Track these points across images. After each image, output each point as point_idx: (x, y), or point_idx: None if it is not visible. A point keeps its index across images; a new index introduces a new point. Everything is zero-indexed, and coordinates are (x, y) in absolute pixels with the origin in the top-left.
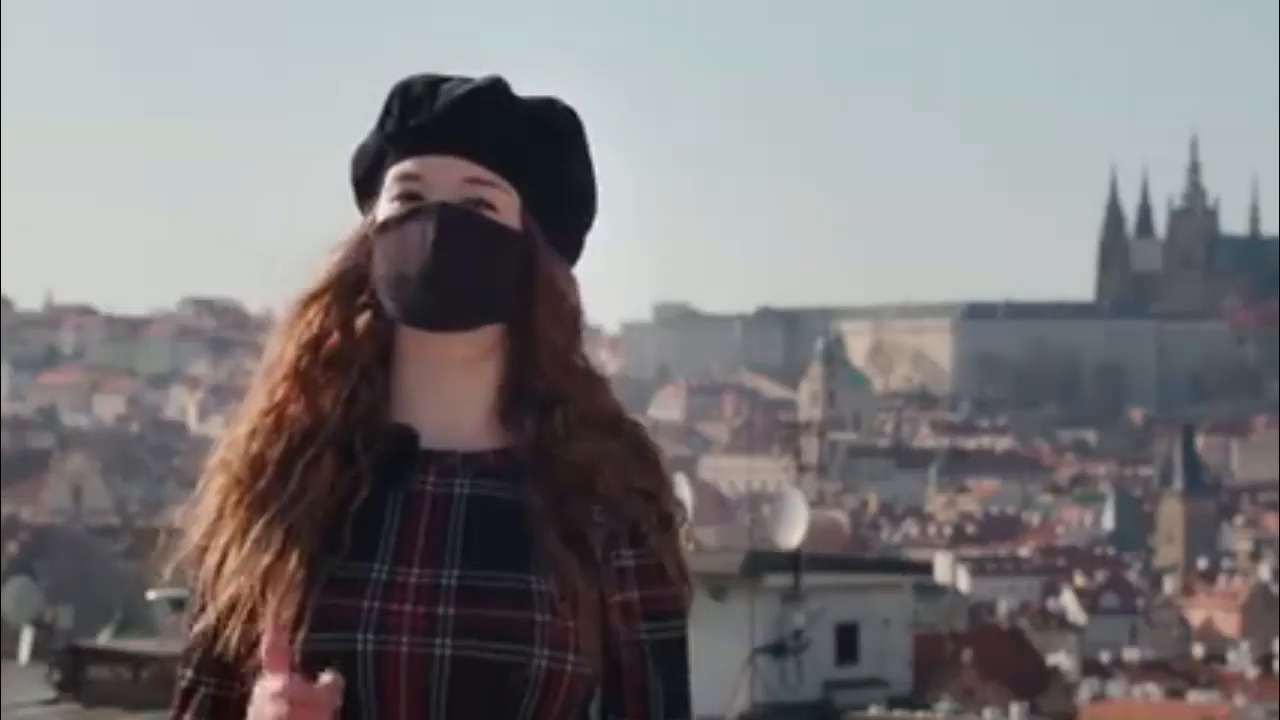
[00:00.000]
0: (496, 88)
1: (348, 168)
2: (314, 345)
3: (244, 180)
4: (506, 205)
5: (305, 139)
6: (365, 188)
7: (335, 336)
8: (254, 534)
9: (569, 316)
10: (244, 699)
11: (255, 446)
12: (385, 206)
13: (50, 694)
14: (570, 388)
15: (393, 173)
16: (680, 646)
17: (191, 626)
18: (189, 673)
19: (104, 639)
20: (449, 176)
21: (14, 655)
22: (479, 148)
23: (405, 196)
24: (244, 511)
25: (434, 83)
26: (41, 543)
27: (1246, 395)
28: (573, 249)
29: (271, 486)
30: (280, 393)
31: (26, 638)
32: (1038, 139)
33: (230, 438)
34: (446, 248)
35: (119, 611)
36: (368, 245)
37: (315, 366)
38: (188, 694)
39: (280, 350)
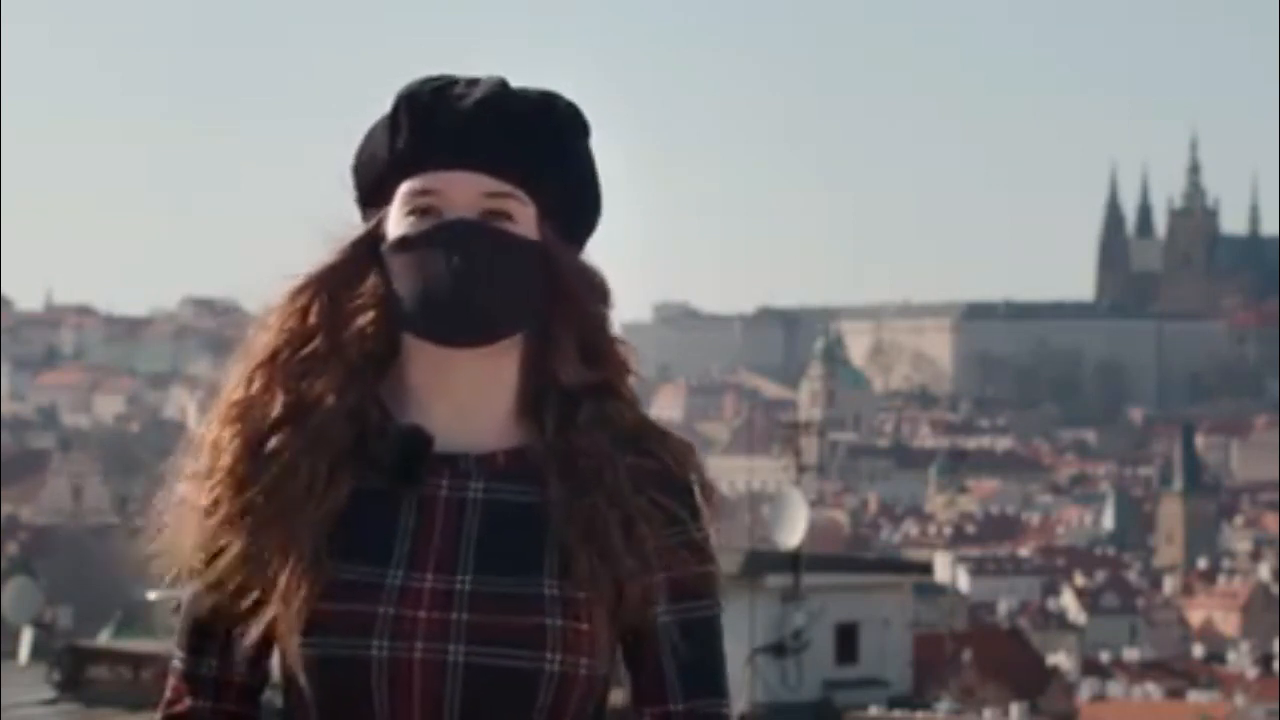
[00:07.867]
0: (504, 94)
1: (351, 172)
2: (295, 339)
3: (244, 180)
4: (524, 215)
5: (305, 139)
6: (372, 197)
7: (321, 334)
8: (252, 528)
9: (595, 309)
10: (244, 682)
11: (228, 435)
12: (401, 221)
13: (50, 694)
14: (594, 381)
15: (407, 187)
16: (706, 626)
17: (187, 608)
18: (183, 654)
19: (104, 639)
20: (467, 192)
21: (14, 655)
22: (494, 162)
23: (421, 211)
24: (230, 503)
25: (439, 89)
26: (41, 543)
27: (1246, 395)
28: (584, 240)
29: (253, 477)
30: (258, 382)
31: (26, 638)
32: (1038, 139)
33: (206, 425)
34: (471, 269)
35: (119, 611)
36: (366, 248)
37: (294, 360)
38: (190, 677)
39: (262, 340)
